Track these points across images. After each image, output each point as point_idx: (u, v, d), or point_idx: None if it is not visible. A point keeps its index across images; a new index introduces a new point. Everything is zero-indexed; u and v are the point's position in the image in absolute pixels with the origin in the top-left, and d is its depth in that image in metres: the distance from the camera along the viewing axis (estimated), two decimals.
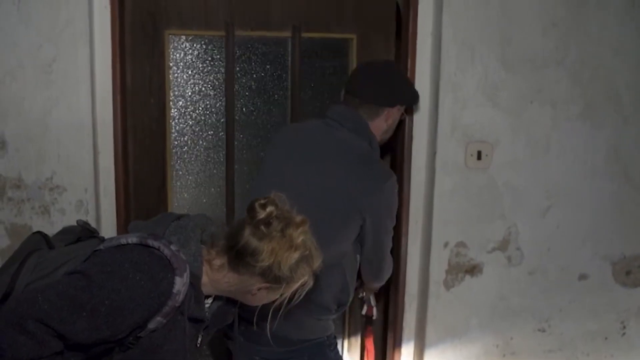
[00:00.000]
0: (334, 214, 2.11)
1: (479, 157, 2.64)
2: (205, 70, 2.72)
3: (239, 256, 1.62)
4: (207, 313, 1.78)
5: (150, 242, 1.56)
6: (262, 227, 1.60)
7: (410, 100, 2.50)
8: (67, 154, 2.43)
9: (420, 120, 2.69)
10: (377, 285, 2.57)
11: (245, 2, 2.65)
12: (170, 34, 2.64)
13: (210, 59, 2.71)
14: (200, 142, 2.76)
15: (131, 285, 1.48)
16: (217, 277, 1.68)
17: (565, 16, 2.59)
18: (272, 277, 1.62)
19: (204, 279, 1.67)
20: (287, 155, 2.26)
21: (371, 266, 2.35)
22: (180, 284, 1.53)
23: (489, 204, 2.69)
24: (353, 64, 2.75)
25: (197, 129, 2.74)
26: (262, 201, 1.63)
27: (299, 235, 1.62)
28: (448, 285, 2.73)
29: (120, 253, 1.55)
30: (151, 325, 1.55)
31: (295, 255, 1.61)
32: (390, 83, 2.33)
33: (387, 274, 2.45)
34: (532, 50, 2.61)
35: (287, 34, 2.70)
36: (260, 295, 1.70)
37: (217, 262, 1.67)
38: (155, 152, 2.70)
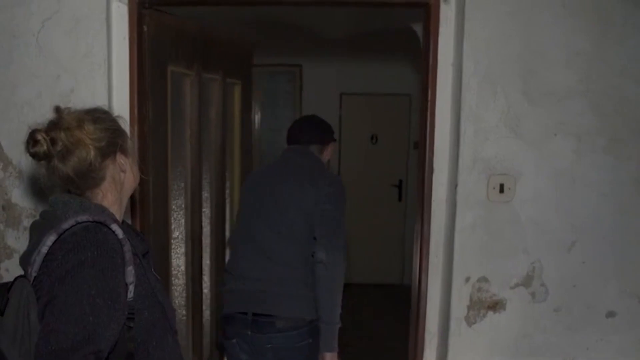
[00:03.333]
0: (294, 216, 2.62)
1: (502, 190, 2.51)
2: None
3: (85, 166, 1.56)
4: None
5: (62, 226, 1.48)
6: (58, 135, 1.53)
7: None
8: None
9: (441, 153, 2.58)
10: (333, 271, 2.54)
11: None
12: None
13: None
14: None
15: (92, 263, 1.43)
16: (114, 201, 1.65)
17: (589, 48, 2.48)
18: (108, 148, 1.59)
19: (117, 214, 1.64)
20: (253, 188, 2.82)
21: (322, 240, 2.53)
22: (117, 228, 1.50)
23: (512, 239, 2.56)
24: None
25: None
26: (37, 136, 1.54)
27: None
28: (470, 322, 2.58)
29: (62, 254, 1.46)
30: (128, 279, 1.50)
31: (87, 123, 1.58)
32: (326, 127, 2.95)
33: (340, 243, 2.57)
34: (555, 82, 2.49)
35: None
36: (128, 167, 1.68)
37: (100, 200, 1.62)
38: None
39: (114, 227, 1.50)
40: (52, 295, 1.42)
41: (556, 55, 2.48)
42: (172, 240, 2.85)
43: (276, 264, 2.57)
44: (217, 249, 3.22)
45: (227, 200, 3.41)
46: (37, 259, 1.47)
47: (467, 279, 2.56)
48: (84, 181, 1.57)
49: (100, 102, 2.28)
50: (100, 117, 1.62)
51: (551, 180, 2.53)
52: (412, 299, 2.82)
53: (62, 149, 1.52)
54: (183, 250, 2.95)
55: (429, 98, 2.55)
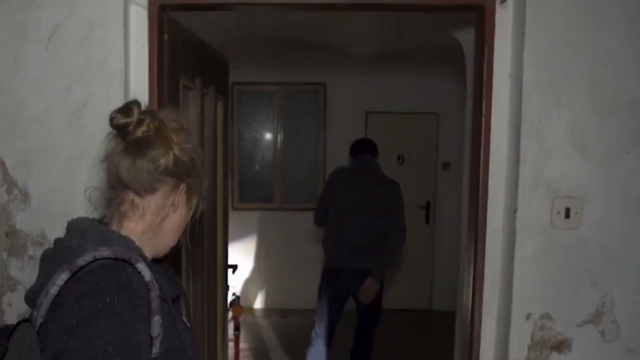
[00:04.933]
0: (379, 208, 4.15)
1: (567, 215, 2.17)
2: None
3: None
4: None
5: (77, 262, 1.20)
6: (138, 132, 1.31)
7: None
8: None
9: (497, 173, 2.26)
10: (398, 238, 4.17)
11: None
12: None
13: None
14: None
15: (110, 312, 1.16)
16: (143, 231, 1.37)
17: None
18: (181, 170, 1.36)
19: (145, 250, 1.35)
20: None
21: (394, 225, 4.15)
22: (143, 268, 1.24)
23: (579, 270, 2.22)
24: None
25: None
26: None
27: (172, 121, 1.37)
28: None
29: (74, 297, 1.19)
30: (154, 331, 1.22)
31: (183, 133, 1.37)
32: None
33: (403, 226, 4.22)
34: (628, 92, 2.16)
35: None
36: (181, 210, 1.41)
37: (131, 222, 1.36)
38: None
39: (140, 266, 1.23)
40: (60, 350, 1.14)
41: (629, 62, 2.15)
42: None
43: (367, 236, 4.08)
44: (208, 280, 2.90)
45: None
46: (45, 301, 1.19)
47: (528, 316, 2.22)
48: (132, 185, 1.32)
49: None
50: (193, 139, 1.42)
51: (623, 204, 2.19)
52: (461, 337, 2.48)
53: (142, 135, 1.30)
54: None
55: (484, 113, 2.23)
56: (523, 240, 2.19)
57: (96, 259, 1.20)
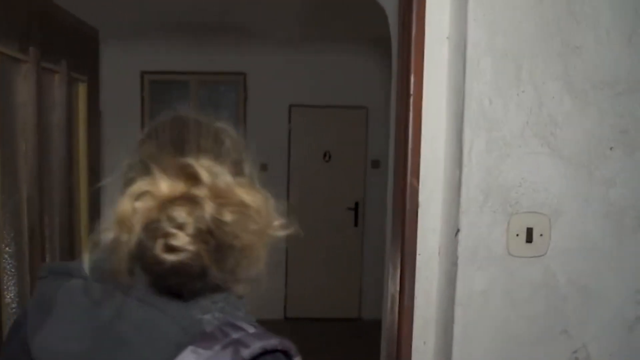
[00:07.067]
0: None
1: (530, 238, 1.49)
2: None
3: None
4: None
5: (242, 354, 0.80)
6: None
7: None
8: None
9: (430, 178, 1.56)
10: None
11: None
12: None
13: None
14: None
15: None
16: None
17: None
18: None
19: None
20: None
21: None
22: None
23: (546, 314, 1.53)
24: None
25: None
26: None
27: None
28: None
29: None
30: None
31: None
32: None
33: None
34: (611, 67, 1.49)
35: None
36: None
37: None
38: None
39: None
40: None
41: (614, 24, 1.48)
42: (3, 308, 1.73)
43: None
44: None
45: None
46: None
47: None
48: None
49: None
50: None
51: (606, 222, 1.52)
52: None
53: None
54: None
55: (412, 92, 1.52)
56: (468, 273, 1.49)
57: (266, 352, 0.83)
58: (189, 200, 0.81)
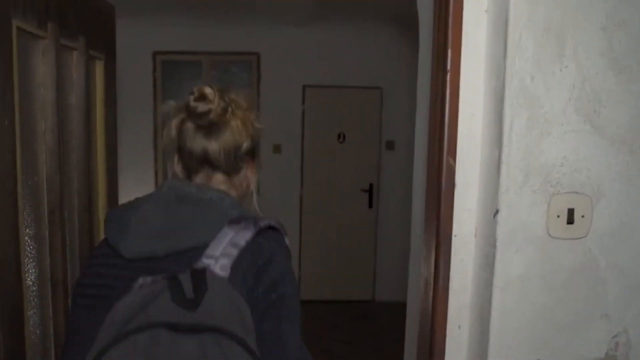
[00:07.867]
0: None
1: (571, 219, 1.43)
2: None
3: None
4: None
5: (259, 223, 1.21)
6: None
7: None
8: None
9: (467, 156, 1.49)
10: None
11: None
12: None
13: None
14: None
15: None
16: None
17: None
18: (256, 148, 1.36)
19: None
20: None
21: None
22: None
23: (586, 298, 1.48)
24: None
25: None
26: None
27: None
28: None
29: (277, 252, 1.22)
30: None
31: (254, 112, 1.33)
32: None
33: None
34: None
35: None
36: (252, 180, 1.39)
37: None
38: None
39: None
40: (280, 293, 1.17)
41: None
42: (24, 291, 1.68)
43: None
44: None
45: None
46: (226, 251, 1.14)
47: None
48: (222, 168, 1.30)
49: None
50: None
51: None
52: None
53: (224, 120, 1.26)
54: (38, 302, 1.83)
55: (449, 68, 1.46)
56: (507, 256, 1.44)
57: (271, 226, 1.22)
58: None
